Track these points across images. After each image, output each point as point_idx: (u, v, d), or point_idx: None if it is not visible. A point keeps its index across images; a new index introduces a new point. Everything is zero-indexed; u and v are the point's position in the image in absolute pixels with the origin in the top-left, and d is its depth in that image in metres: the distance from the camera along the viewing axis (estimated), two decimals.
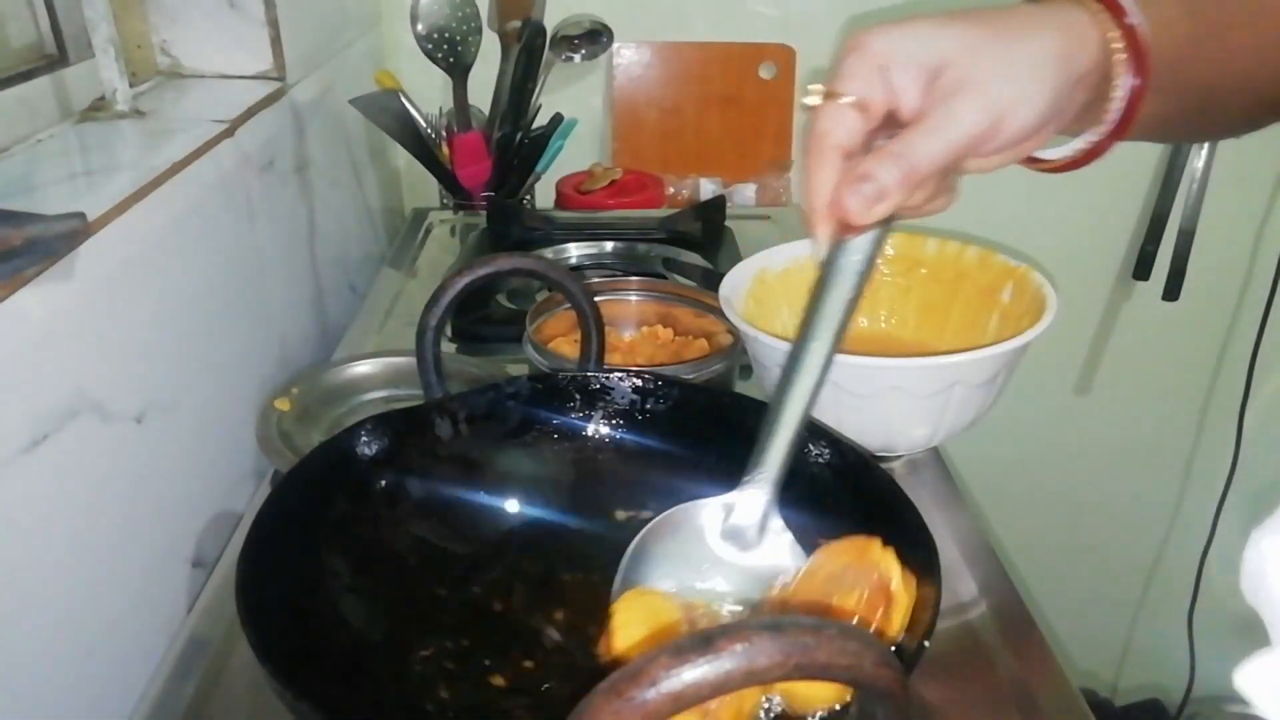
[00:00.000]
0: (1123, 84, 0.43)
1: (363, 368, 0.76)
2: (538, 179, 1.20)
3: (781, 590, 0.46)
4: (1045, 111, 0.42)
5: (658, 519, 0.49)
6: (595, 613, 0.51)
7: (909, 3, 1.28)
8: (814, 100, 0.43)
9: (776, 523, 0.47)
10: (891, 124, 0.43)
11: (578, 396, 0.59)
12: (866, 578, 0.41)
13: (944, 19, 0.42)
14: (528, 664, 0.48)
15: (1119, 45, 0.43)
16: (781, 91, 1.30)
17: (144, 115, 0.72)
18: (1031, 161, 0.49)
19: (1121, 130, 0.45)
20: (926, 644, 0.39)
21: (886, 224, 0.44)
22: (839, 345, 0.45)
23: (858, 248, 0.44)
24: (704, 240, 1.04)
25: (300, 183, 0.89)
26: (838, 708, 0.38)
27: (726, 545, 0.48)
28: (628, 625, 0.43)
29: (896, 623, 0.40)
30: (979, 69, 0.41)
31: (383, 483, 0.54)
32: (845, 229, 0.43)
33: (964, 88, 0.41)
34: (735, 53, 1.29)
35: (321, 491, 0.51)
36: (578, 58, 1.15)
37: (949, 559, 0.61)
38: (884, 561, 0.41)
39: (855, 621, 0.40)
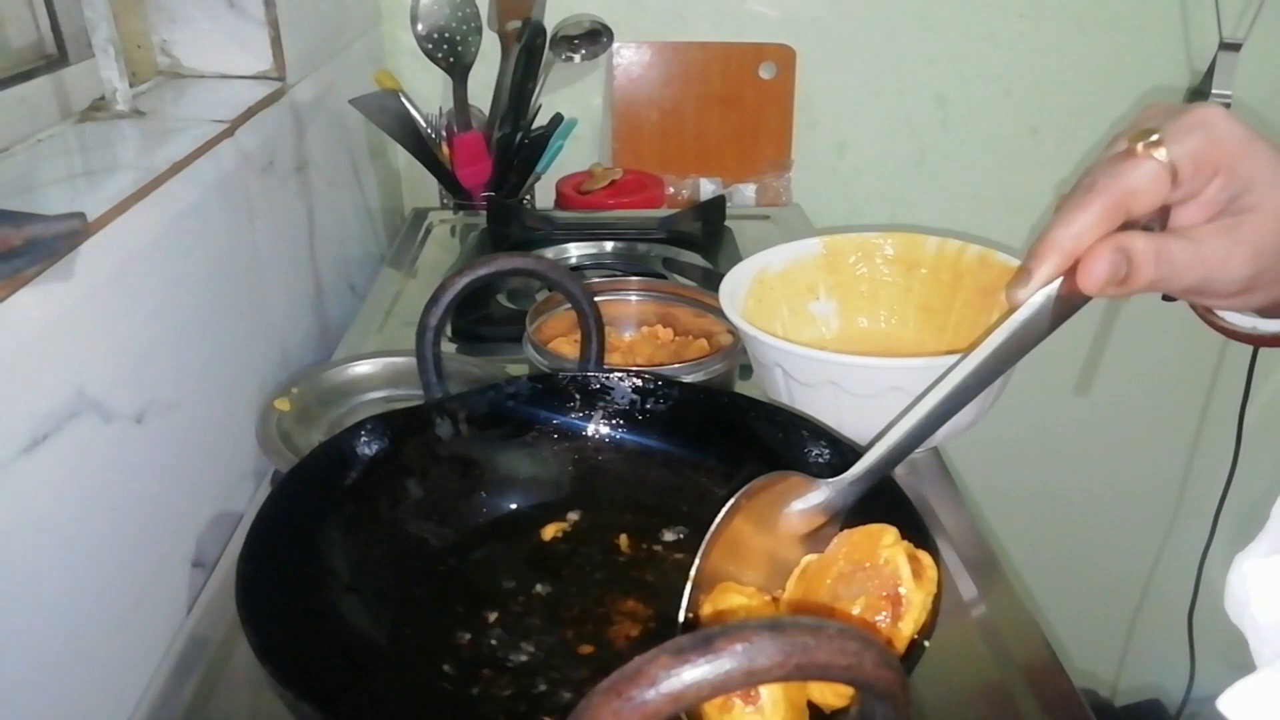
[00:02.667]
0: None
1: (363, 368, 0.76)
2: (538, 179, 1.20)
3: (794, 580, 0.45)
4: (1239, 280, 0.40)
5: (761, 481, 0.45)
6: (596, 612, 0.51)
7: (909, 3, 1.28)
8: (1142, 144, 0.39)
9: (834, 529, 0.46)
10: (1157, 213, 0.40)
11: (578, 396, 0.59)
12: (873, 581, 0.41)
13: (1271, 151, 0.39)
14: (528, 663, 0.48)
15: None
16: (781, 91, 1.30)
17: (144, 115, 0.72)
18: (1222, 327, 0.48)
19: None
20: (926, 644, 0.39)
21: (1083, 303, 0.41)
22: (983, 386, 0.43)
23: (1045, 312, 0.41)
24: (704, 240, 1.04)
25: (300, 183, 0.89)
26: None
27: (798, 521, 0.46)
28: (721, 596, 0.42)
29: (908, 625, 0.40)
30: (1274, 240, 0.38)
31: (383, 483, 0.54)
32: (1066, 280, 0.40)
33: (1252, 243, 0.38)
34: (735, 53, 1.29)
35: (322, 491, 0.51)
36: (578, 58, 1.15)
37: (949, 559, 0.61)
38: (893, 561, 0.41)
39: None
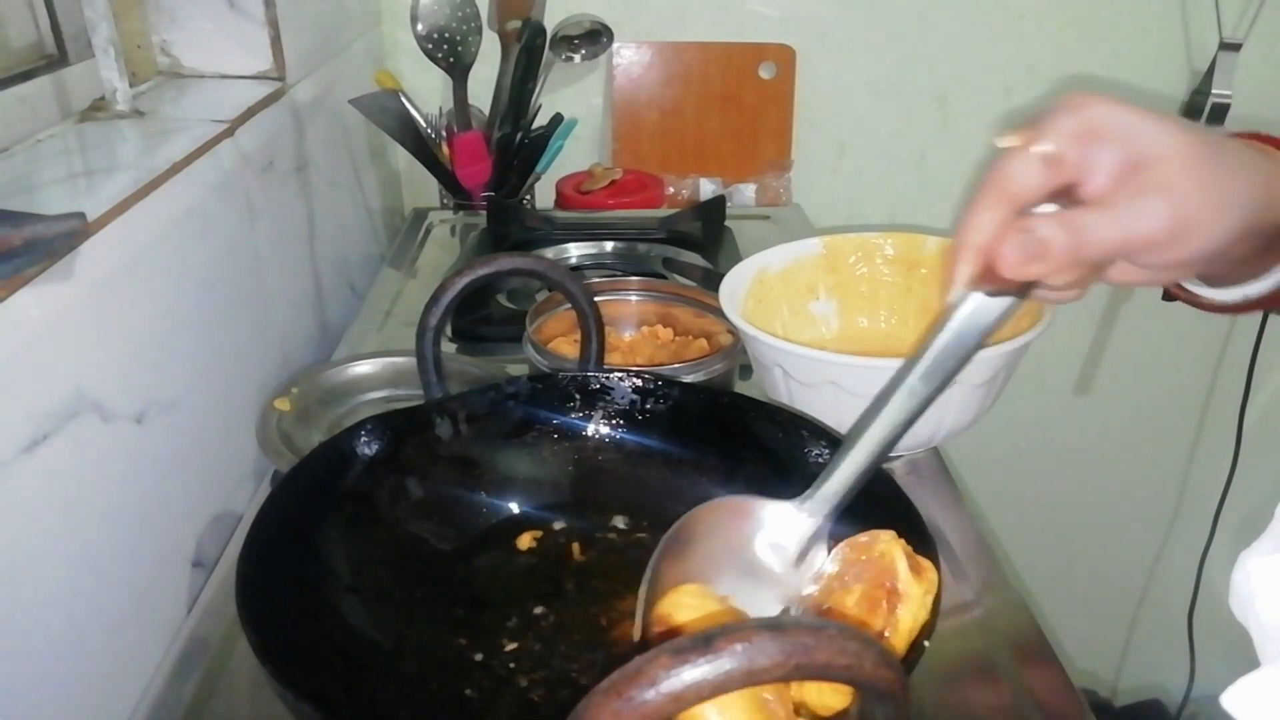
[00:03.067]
0: None
1: (363, 368, 0.76)
2: (538, 179, 1.20)
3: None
4: (1224, 244, 0.40)
5: (707, 505, 0.47)
6: (596, 612, 0.51)
7: (909, 3, 1.28)
8: (1010, 141, 0.41)
9: (820, 554, 0.46)
10: (1065, 197, 0.41)
11: (578, 396, 0.59)
12: (869, 573, 0.41)
13: (1166, 116, 0.40)
14: (528, 663, 0.48)
15: None
16: (781, 91, 1.30)
17: (144, 115, 0.72)
18: (1186, 294, 0.49)
19: None
20: (926, 644, 0.39)
21: (1021, 294, 0.42)
22: (938, 394, 0.43)
23: (986, 309, 0.42)
24: (704, 240, 1.04)
25: (300, 183, 0.89)
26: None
27: (769, 554, 0.47)
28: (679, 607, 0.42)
29: (905, 618, 0.40)
30: (1184, 179, 0.39)
31: (383, 483, 0.54)
32: (986, 278, 0.41)
33: (1163, 190, 0.39)
34: (735, 53, 1.29)
35: (321, 492, 0.51)
36: (578, 58, 1.15)
37: (949, 559, 0.61)
38: (888, 555, 0.41)
39: (852, 620, 0.39)
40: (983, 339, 0.43)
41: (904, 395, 0.43)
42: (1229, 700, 0.31)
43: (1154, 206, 0.39)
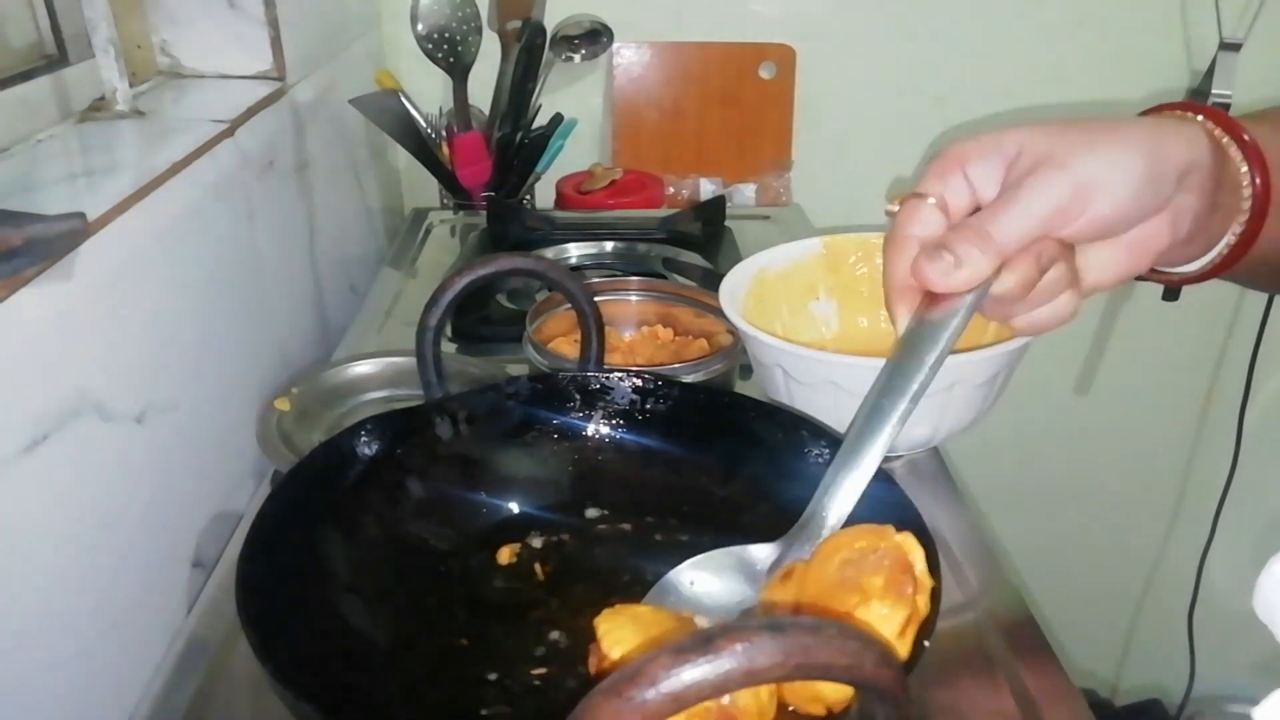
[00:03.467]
0: (1246, 180, 0.45)
1: (363, 368, 0.76)
2: (538, 179, 1.20)
3: (787, 578, 0.45)
4: (1133, 193, 0.41)
5: (695, 560, 0.47)
6: (595, 611, 0.51)
7: (909, 3, 1.28)
8: (894, 207, 0.44)
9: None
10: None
11: (578, 396, 0.59)
12: (888, 560, 0.41)
13: (1029, 122, 0.43)
14: (528, 664, 0.48)
15: (1235, 149, 0.44)
16: (781, 91, 1.30)
17: (144, 115, 0.72)
18: (1160, 275, 0.50)
19: (1253, 232, 0.46)
20: (926, 644, 0.39)
21: (973, 302, 0.43)
22: (910, 411, 0.44)
23: (940, 320, 0.43)
24: (704, 240, 1.04)
25: (300, 183, 0.89)
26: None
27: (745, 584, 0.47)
28: (614, 634, 0.42)
29: (923, 606, 0.40)
30: (1059, 149, 0.41)
31: (383, 483, 0.54)
32: (928, 301, 0.43)
33: (1043, 164, 0.41)
34: (735, 53, 1.29)
35: (321, 492, 0.51)
36: (578, 58, 1.15)
37: (949, 559, 0.61)
38: (905, 544, 0.41)
39: (883, 602, 0.39)
40: (945, 347, 0.44)
41: (884, 422, 0.44)
42: (1263, 714, 0.31)
43: (1044, 177, 0.41)
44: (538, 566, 0.54)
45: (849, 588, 0.40)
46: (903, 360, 0.44)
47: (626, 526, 0.57)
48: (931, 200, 0.44)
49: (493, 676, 0.47)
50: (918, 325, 0.44)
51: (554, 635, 0.49)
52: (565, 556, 0.55)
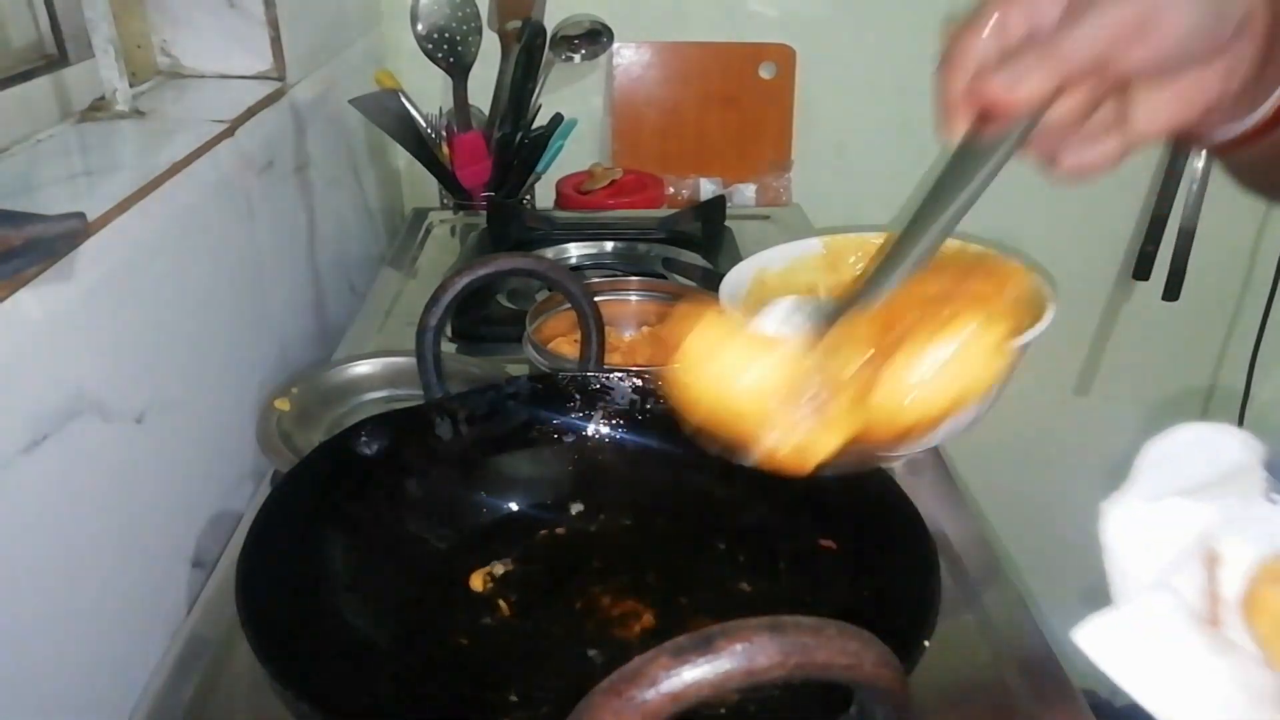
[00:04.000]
0: None
1: (363, 368, 0.76)
2: (538, 179, 1.20)
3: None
4: (1198, 25, 0.40)
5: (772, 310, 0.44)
6: (596, 612, 0.51)
7: (908, 4, 1.28)
8: (954, 29, 0.43)
9: None
10: None
11: (578, 396, 0.59)
12: (987, 268, 0.40)
13: None
14: (528, 663, 0.48)
15: None
16: (781, 91, 1.30)
17: (144, 115, 0.72)
18: (1200, 136, 0.49)
19: None
20: (926, 644, 0.39)
21: (1028, 126, 0.42)
22: (951, 226, 0.44)
23: (993, 141, 0.43)
24: (704, 240, 1.04)
25: (300, 183, 0.89)
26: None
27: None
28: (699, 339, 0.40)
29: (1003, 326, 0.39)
30: None
31: (383, 482, 0.54)
32: (978, 125, 0.42)
33: None
34: (735, 53, 1.29)
35: (321, 491, 0.51)
36: (578, 58, 1.15)
37: (949, 559, 0.61)
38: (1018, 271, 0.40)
39: (983, 312, 0.39)
40: (1001, 161, 0.43)
41: (933, 227, 0.44)
42: (1082, 637, 0.33)
43: (1109, 1, 0.40)
44: (538, 568, 0.54)
45: (945, 301, 0.40)
46: (952, 175, 0.44)
47: (626, 524, 0.57)
48: (993, 21, 0.42)
49: (492, 674, 0.47)
50: (969, 143, 0.44)
51: (556, 632, 0.50)
52: (566, 556, 0.55)
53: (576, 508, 0.58)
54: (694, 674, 0.22)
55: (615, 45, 1.21)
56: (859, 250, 0.75)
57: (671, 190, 1.29)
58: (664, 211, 1.12)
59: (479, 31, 1.09)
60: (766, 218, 1.20)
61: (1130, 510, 0.36)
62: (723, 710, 0.43)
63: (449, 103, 1.13)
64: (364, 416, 0.55)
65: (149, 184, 0.59)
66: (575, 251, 1.02)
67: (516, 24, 1.11)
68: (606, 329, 0.61)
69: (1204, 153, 1.28)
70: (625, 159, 1.30)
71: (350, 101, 1.03)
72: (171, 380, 0.60)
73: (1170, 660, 0.32)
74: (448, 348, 0.83)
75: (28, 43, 0.72)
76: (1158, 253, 1.34)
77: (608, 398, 0.59)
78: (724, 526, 0.56)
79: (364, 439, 0.54)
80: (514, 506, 0.57)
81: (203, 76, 0.85)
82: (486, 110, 1.17)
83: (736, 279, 0.71)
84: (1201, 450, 0.38)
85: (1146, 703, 0.31)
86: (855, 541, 0.51)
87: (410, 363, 0.60)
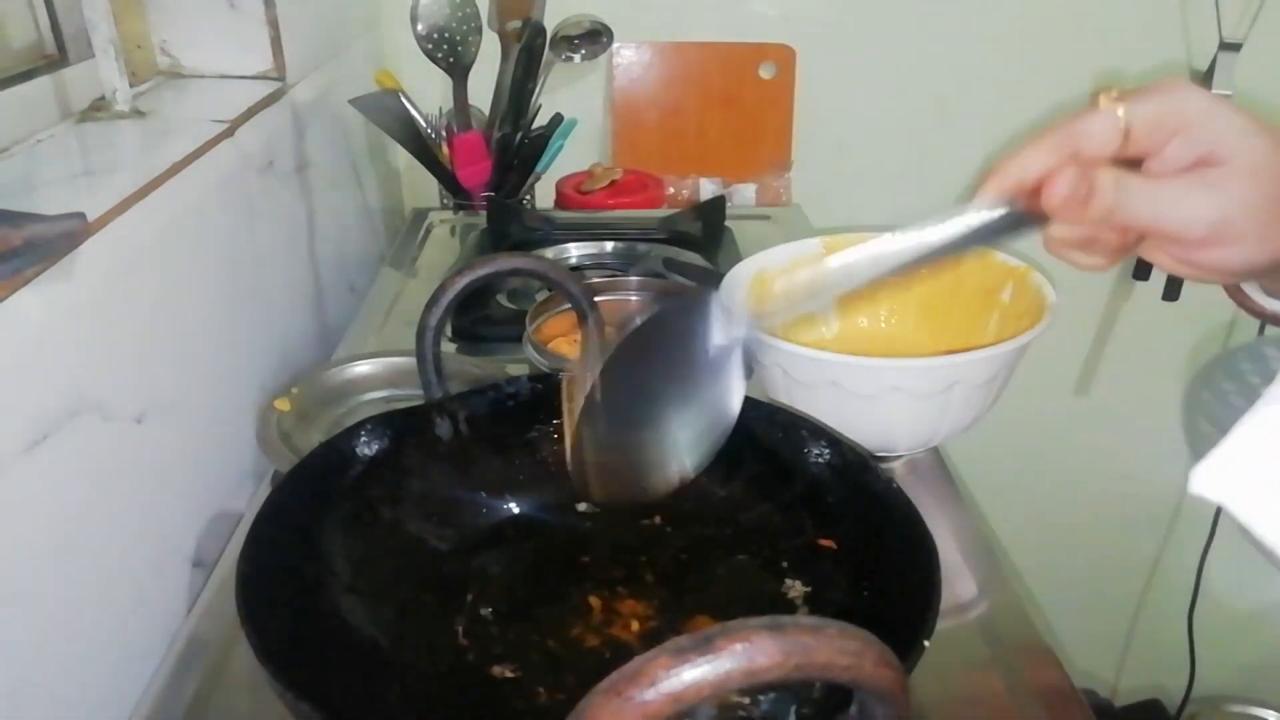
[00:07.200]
0: None
1: (363, 368, 0.76)
2: (538, 179, 1.20)
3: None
4: (1267, 262, 0.40)
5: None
6: (596, 612, 0.51)
7: (909, 4, 1.28)
8: (1104, 100, 0.42)
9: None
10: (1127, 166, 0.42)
11: None
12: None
13: (1257, 121, 0.40)
14: (528, 662, 0.48)
15: None
16: (781, 91, 1.30)
17: (144, 115, 0.72)
18: (1241, 295, 0.49)
19: None
20: (926, 644, 0.39)
21: (1037, 224, 0.42)
22: (920, 266, 0.44)
23: (995, 226, 0.43)
24: (704, 240, 1.04)
25: (300, 183, 0.89)
26: None
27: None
28: None
29: None
30: (1244, 186, 0.39)
31: (383, 483, 0.54)
32: (1021, 198, 0.42)
33: (1217, 189, 0.39)
34: (735, 53, 1.29)
35: (321, 491, 0.51)
36: (578, 58, 1.15)
37: (949, 559, 0.60)
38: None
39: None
40: (979, 244, 0.44)
41: (896, 256, 0.44)
42: (1198, 483, 0.32)
43: (1200, 200, 0.39)
44: (538, 567, 0.54)
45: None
46: (944, 227, 0.44)
47: (626, 524, 0.57)
48: (1122, 116, 0.41)
49: (492, 673, 0.47)
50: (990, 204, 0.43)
51: (557, 632, 0.50)
52: (566, 556, 0.55)
53: (576, 508, 0.58)
54: (694, 674, 0.22)
55: (615, 45, 1.21)
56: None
57: (671, 190, 1.29)
58: (664, 211, 1.12)
59: (479, 31, 1.09)
60: (766, 218, 1.20)
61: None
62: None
63: (449, 103, 1.13)
64: (364, 416, 0.55)
65: (149, 184, 0.59)
66: (575, 251, 1.02)
67: (516, 24, 1.11)
68: (606, 329, 0.61)
69: None
70: (625, 159, 1.30)
71: (350, 102, 1.03)
72: (171, 380, 0.60)
73: None
74: (448, 348, 0.83)
75: (28, 43, 0.72)
76: None
77: None
78: (724, 526, 0.56)
79: (364, 439, 0.54)
80: (514, 506, 0.57)
81: (203, 77, 0.85)
82: (486, 110, 1.17)
83: (736, 279, 0.71)
84: None
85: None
86: (855, 541, 0.51)
87: (410, 363, 0.60)
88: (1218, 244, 0.40)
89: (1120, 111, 0.41)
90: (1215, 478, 0.32)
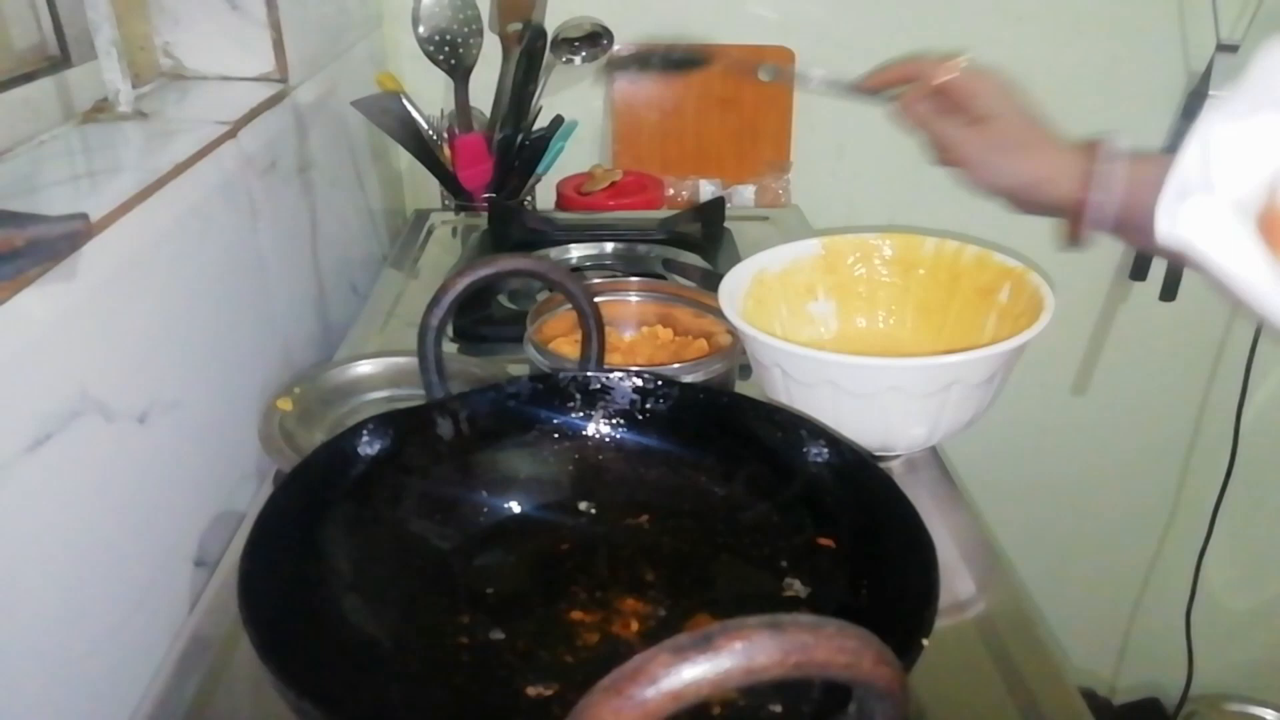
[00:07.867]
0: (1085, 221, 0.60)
1: (364, 368, 0.77)
2: (538, 180, 1.20)
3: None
4: (1004, 190, 0.63)
5: None
6: (596, 611, 0.51)
7: (908, 5, 1.28)
8: (962, 59, 0.64)
9: None
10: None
11: (578, 396, 0.59)
12: None
13: (1017, 99, 0.63)
14: (529, 661, 0.48)
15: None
16: (781, 93, 1.30)
17: (146, 116, 0.72)
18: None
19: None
20: (925, 642, 0.40)
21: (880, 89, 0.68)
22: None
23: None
24: (703, 241, 1.04)
25: (302, 184, 0.89)
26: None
27: None
28: None
29: None
30: (992, 142, 0.62)
31: (384, 482, 0.54)
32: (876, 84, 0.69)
33: (977, 137, 0.63)
34: (735, 54, 1.29)
35: (323, 491, 0.52)
36: (578, 60, 1.15)
37: (947, 558, 0.61)
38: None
39: None
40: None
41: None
42: (1182, 228, 0.37)
43: (962, 136, 0.63)
44: (539, 566, 0.54)
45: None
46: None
47: (627, 524, 0.57)
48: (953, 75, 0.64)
49: (494, 674, 0.47)
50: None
51: (557, 631, 0.50)
52: (566, 555, 0.55)
53: (577, 507, 0.58)
54: (694, 672, 0.22)
55: (615, 47, 1.21)
56: (857, 251, 0.76)
57: (671, 191, 1.29)
58: (664, 213, 1.13)
59: (480, 34, 1.10)
60: (766, 219, 1.20)
61: (1226, 126, 0.41)
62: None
63: (450, 105, 1.14)
64: (366, 416, 0.55)
65: (151, 185, 0.59)
66: (576, 252, 1.02)
67: (517, 26, 1.11)
68: (606, 329, 0.62)
69: None
70: (625, 160, 1.30)
71: (352, 103, 1.03)
72: (174, 380, 0.60)
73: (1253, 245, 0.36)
74: (449, 348, 0.83)
75: (30, 44, 0.72)
76: None
77: (608, 398, 0.59)
78: (723, 525, 0.56)
79: (366, 439, 0.54)
80: (515, 506, 0.58)
81: (205, 78, 0.85)
82: (488, 112, 1.17)
83: (736, 279, 0.71)
84: None
85: (1236, 274, 0.36)
86: (855, 541, 0.51)
87: (412, 363, 0.60)
88: (974, 169, 0.63)
89: (963, 64, 0.64)
90: (1188, 220, 0.37)
